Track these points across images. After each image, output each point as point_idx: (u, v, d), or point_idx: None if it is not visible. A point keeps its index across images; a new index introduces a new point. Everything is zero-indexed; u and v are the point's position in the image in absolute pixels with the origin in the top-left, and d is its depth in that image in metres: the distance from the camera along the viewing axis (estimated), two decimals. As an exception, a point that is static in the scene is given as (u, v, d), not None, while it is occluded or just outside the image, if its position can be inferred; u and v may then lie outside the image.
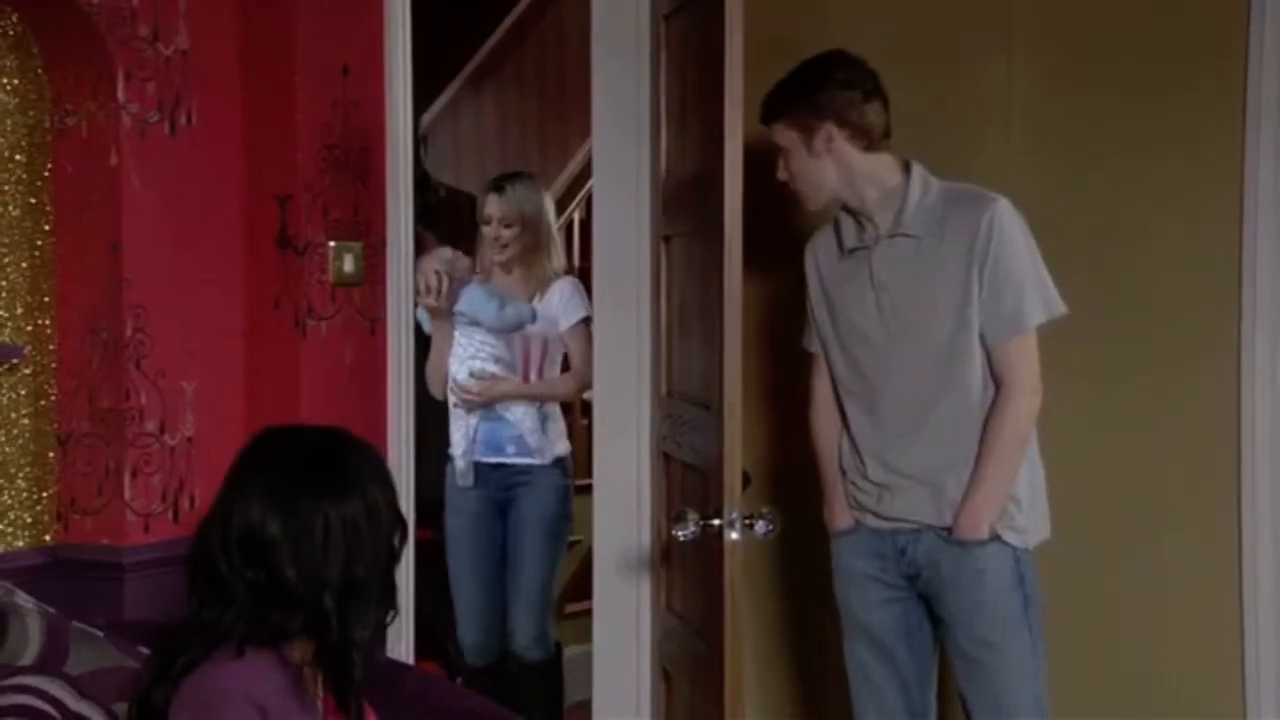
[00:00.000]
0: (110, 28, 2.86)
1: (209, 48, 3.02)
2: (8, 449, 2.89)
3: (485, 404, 3.85)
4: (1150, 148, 3.06)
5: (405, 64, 3.24)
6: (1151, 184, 3.07)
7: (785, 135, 2.76)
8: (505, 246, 3.88)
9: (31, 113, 2.91)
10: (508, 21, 5.78)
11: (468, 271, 3.92)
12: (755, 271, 3.00)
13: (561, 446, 3.97)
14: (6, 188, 2.89)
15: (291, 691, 1.84)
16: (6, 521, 2.89)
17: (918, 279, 2.72)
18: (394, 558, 1.94)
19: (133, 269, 2.92)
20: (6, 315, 2.89)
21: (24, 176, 2.91)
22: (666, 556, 3.22)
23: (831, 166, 2.75)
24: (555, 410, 4.00)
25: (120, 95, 2.88)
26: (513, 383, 3.89)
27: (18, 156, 2.90)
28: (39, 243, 2.94)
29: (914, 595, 2.79)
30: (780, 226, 3.13)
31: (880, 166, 2.76)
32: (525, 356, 3.93)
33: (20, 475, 2.91)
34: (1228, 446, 3.01)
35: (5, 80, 2.88)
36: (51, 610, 2.27)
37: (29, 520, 2.92)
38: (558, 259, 3.98)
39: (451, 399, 3.90)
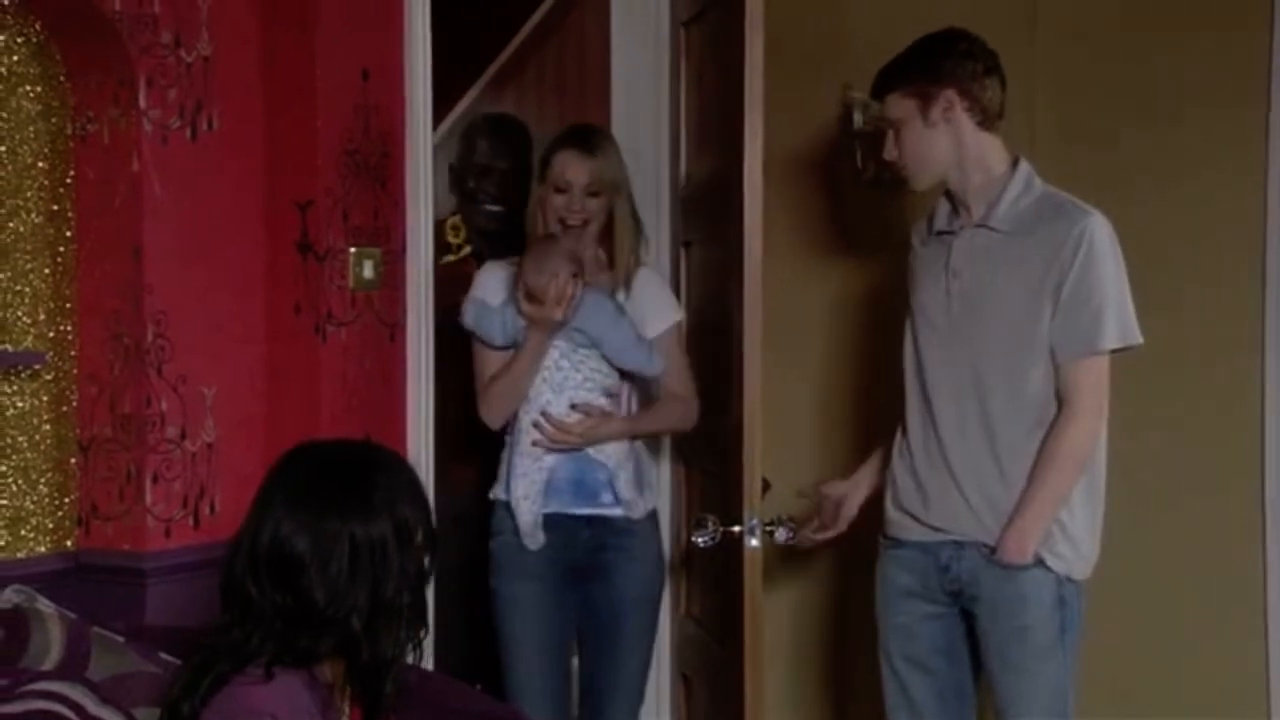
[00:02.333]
0: (132, 34, 2.86)
1: (230, 54, 3.02)
2: (29, 455, 2.90)
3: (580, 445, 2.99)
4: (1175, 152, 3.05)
5: (425, 69, 3.24)
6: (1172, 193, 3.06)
7: (901, 105, 2.72)
8: (587, 223, 3.03)
9: (54, 120, 2.92)
10: (528, 26, 5.78)
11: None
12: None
13: (652, 496, 3.15)
14: (29, 195, 2.90)
15: (318, 713, 1.83)
16: (28, 527, 2.90)
17: (992, 273, 2.69)
18: (424, 576, 1.92)
19: (154, 275, 2.92)
20: (29, 322, 2.90)
21: (46, 183, 2.92)
22: (687, 563, 3.22)
23: (946, 139, 2.71)
24: (646, 450, 3.21)
25: (142, 102, 2.89)
26: (622, 420, 3.03)
27: (40, 163, 2.91)
28: (61, 249, 2.95)
29: (956, 611, 2.76)
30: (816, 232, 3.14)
31: (991, 149, 2.74)
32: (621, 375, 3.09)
33: (42, 481, 2.92)
34: (1251, 448, 3.00)
35: (28, 88, 2.89)
36: (73, 616, 2.28)
37: (50, 526, 2.93)
38: (641, 242, 3.13)
39: (523, 436, 3.02)
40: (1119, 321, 2.65)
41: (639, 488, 3.02)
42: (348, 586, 1.85)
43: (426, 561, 1.92)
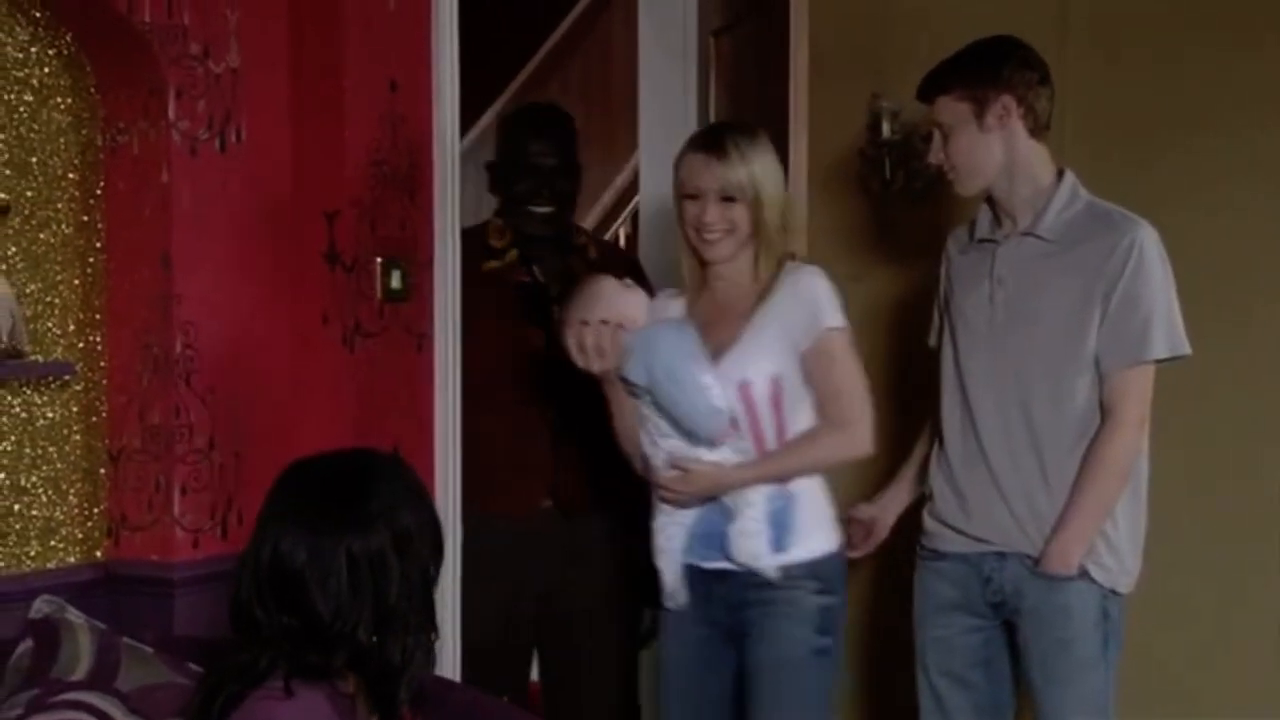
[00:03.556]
0: (162, 46, 2.87)
1: (259, 65, 3.03)
2: (59, 465, 2.91)
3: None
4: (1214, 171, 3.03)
5: (453, 79, 3.25)
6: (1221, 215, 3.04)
7: (953, 109, 2.69)
8: (726, 235, 2.61)
9: (84, 131, 2.94)
10: (555, 37, 5.80)
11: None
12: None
13: (821, 540, 2.65)
14: (59, 206, 2.91)
15: None
16: (58, 537, 2.91)
17: (1037, 281, 2.67)
18: (430, 580, 1.92)
19: (183, 286, 2.93)
20: (59, 332, 2.91)
21: (76, 194, 2.93)
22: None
23: (999, 145, 2.69)
24: (809, 487, 2.66)
25: (171, 113, 2.90)
26: (737, 469, 2.57)
27: (70, 175, 2.92)
28: (91, 260, 2.96)
29: (997, 623, 2.73)
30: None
31: (1039, 158, 2.72)
32: (749, 405, 2.58)
33: (72, 491, 2.93)
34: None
35: (59, 99, 2.90)
36: (102, 626, 2.28)
37: (80, 536, 2.94)
38: (793, 243, 2.72)
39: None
40: (1167, 331, 2.63)
41: (770, 538, 2.58)
42: (350, 600, 1.84)
43: (431, 566, 1.92)
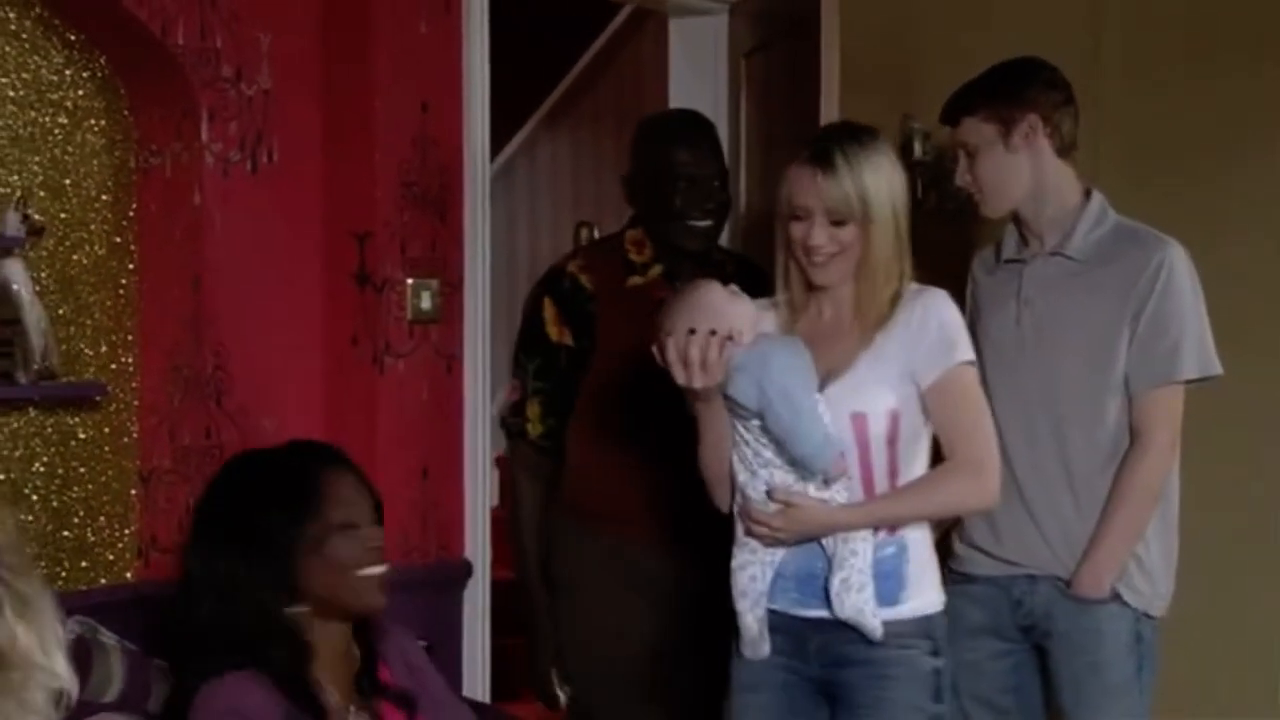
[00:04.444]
0: (195, 68, 2.89)
1: (290, 87, 3.04)
2: (90, 486, 2.91)
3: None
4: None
5: (484, 101, 3.25)
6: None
7: (979, 130, 2.68)
8: (836, 257, 2.32)
9: (117, 153, 2.95)
10: (585, 59, 5.80)
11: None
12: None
13: (933, 594, 2.37)
14: (92, 227, 2.92)
15: (276, 708, 1.96)
16: (89, 559, 2.91)
17: (1066, 302, 2.64)
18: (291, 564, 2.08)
19: (214, 307, 2.94)
20: (91, 353, 2.92)
21: (109, 216, 2.94)
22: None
23: (1026, 165, 2.67)
24: (921, 534, 2.36)
25: (204, 135, 2.91)
26: (845, 509, 2.28)
27: (103, 196, 2.94)
28: (123, 281, 2.97)
29: (1028, 647, 2.70)
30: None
31: (1066, 178, 2.70)
32: (861, 441, 2.30)
33: (102, 512, 2.93)
34: None
35: (93, 121, 2.91)
36: (133, 647, 2.28)
37: (110, 558, 2.94)
38: (908, 263, 2.38)
39: (736, 522, 2.37)
40: (1198, 351, 2.60)
41: (877, 591, 2.27)
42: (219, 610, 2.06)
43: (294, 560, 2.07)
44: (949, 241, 3.30)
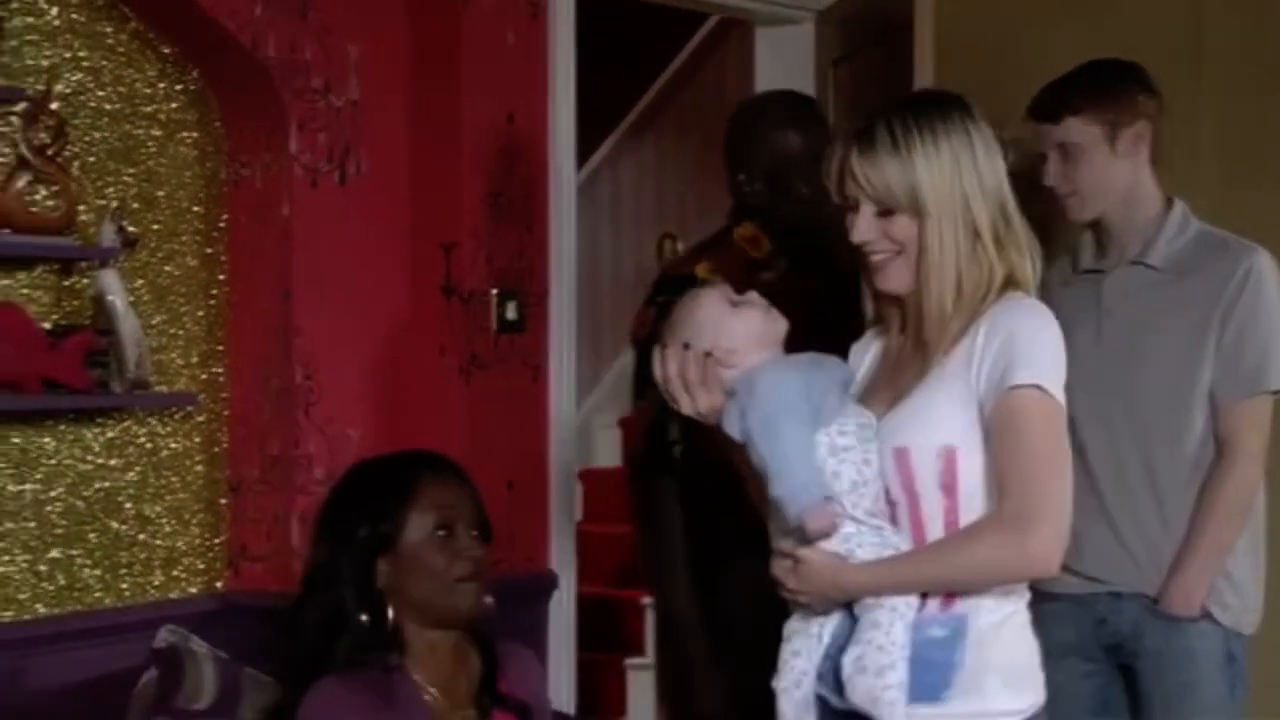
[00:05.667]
0: (285, 80, 2.91)
1: (378, 98, 3.06)
2: (182, 495, 2.94)
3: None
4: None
5: (570, 112, 3.25)
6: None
7: (1085, 131, 2.59)
8: (894, 256, 1.88)
9: (208, 165, 2.98)
10: (669, 71, 5.79)
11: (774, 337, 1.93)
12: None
13: (1004, 696, 1.85)
14: (184, 239, 2.95)
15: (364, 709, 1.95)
16: (181, 568, 2.93)
17: (1150, 313, 2.57)
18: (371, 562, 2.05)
19: (302, 317, 2.95)
20: (183, 364, 2.95)
21: (201, 227, 2.97)
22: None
23: (1128, 171, 2.60)
24: (991, 614, 1.85)
25: (293, 146, 2.93)
26: (865, 568, 1.81)
27: (195, 208, 2.97)
28: (214, 292, 2.99)
29: (1113, 668, 2.63)
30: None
31: (1154, 186, 2.64)
32: (907, 483, 1.84)
33: (194, 522, 2.96)
34: None
35: (185, 134, 2.95)
36: (224, 655, 2.29)
37: (201, 567, 2.96)
38: (1000, 269, 1.88)
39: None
40: None
41: (911, 678, 1.78)
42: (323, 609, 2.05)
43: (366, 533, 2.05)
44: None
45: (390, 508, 2.05)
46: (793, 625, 1.87)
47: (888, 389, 1.91)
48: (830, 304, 2.44)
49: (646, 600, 4.56)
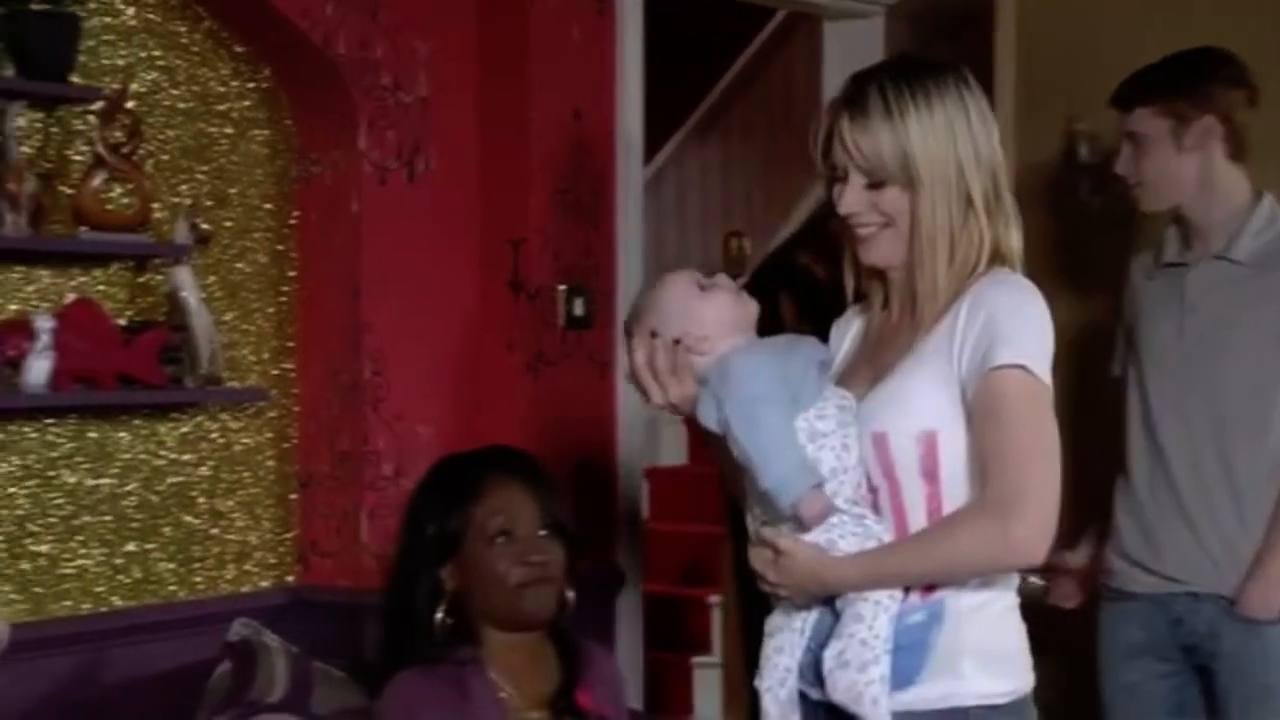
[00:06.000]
0: (355, 77, 2.93)
1: (446, 95, 3.07)
2: (254, 490, 2.97)
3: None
4: None
5: (637, 109, 3.24)
6: None
7: (1152, 123, 2.57)
8: (882, 229, 1.79)
9: (279, 162, 3.00)
10: (734, 70, 5.78)
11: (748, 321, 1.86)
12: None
13: (982, 679, 1.75)
14: (256, 235, 2.98)
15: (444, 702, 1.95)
16: (252, 561, 2.96)
17: (1233, 308, 2.54)
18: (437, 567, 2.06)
19: (371, 313, 2.97)
20: (254, 360, 2.98)
21: (272, 224, 3.00)
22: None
23: (1194, 166, 2.56)
24: (968, 599, 1.77)
25: (362, 143, 2.94)
26: (847, 560, 1.74)
27: (266, 205, 2.99)
28: (284, 289, 3.02)
29: (1189, 669, 2.58)
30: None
31: (1236, 181, 2.59)
32: (888, 471, 1.77)
33: (265, 516, 2.98)
34: None
35: (256, 131, 2.97)
36: (296, 650, 2.30)
37: (272, 561, 2.99)
38: (986, 240, 1.79)
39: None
40: None
41: (890, 669, 1.72)
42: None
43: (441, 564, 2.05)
44: (1110, 245, 3.19)
45: (454, 509, 2.04)
46: (775, 621, 1.82)
47: (869, 368, 1.83)
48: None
49: (713, 599, 4.56)
